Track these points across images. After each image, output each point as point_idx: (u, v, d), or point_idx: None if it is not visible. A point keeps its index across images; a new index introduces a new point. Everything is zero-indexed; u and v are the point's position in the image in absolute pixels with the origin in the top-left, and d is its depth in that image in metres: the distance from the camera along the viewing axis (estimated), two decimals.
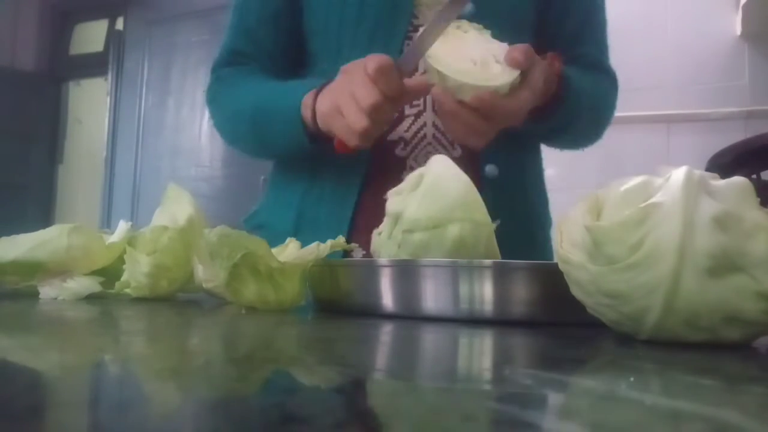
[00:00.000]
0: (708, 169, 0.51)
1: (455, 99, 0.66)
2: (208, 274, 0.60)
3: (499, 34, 0.83)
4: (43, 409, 0.19)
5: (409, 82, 0.69)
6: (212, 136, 3.18)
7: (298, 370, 0.29)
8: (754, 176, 1.51)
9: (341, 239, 0.61)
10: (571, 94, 0.79)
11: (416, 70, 0.75)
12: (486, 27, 0.78)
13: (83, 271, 0.64)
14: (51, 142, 4.11)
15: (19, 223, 0.91)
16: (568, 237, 0.41)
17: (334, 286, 0.56)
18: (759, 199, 0.38)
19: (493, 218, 0.54)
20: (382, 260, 0.53)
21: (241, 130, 0.88)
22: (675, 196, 0.36)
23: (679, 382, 0.27)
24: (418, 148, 0.81)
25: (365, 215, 0.79)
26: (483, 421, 0.19)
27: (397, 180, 0.60)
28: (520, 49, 0.67)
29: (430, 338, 0.40)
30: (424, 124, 0.82)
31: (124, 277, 0.63)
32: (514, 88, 0.67)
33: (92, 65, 4.00)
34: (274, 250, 0.56)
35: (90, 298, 0.62)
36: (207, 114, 3.17)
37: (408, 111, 0.82)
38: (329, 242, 0.59)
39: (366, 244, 0.66)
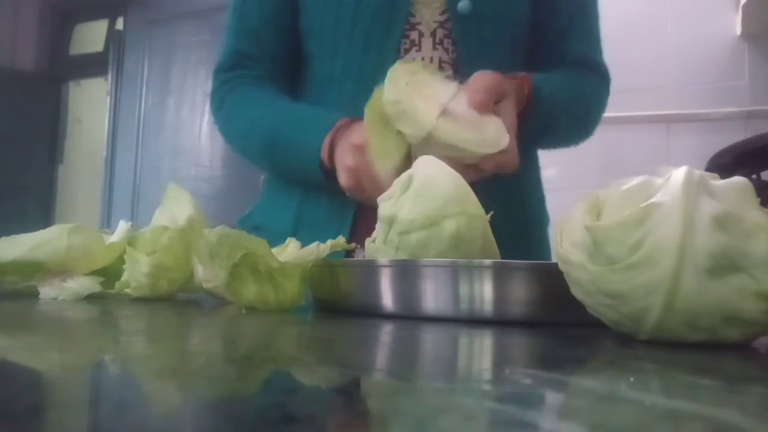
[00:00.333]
0: (708, 169, 0.51)
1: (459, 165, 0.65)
2: (208, 274, 0.60)
3: (497, 31, 0.83)
4: (43, 409, 0.19)
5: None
6: (212, 136, 3.19)
7: (298, 370, 0.29)
8: (754, 176, 1.51)
9: (341, 239, 0.61)
10: (543, 105, 0.78)
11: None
12: (485, 28, 0.78)
13: (83, 271, 0.64)
14: (51, 142, 4.11)
15: (19, 223, 0.91)
16: (568, 237, 0.41)
17: (334, 286, 0.56)
18: (759, 199, 0.38)
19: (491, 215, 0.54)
20: (382, 260, 0.53)
21: (253, 149, 0.88)
22: (675, 196, 0.36)
23: (679, 382, 0.27)
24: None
25: (365, 218, 0.79)
26: (483, 421, 0.19)
27: None
28: (481, 89, 0.66)
29: (430, 338, 0.40)
30: None
31: (124, 277, 0.63)
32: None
33: (92, 65, 4.00)
34: (274, 250, 0.56)
35: (90, 298, 0.62)
36: (207, 114, 3.17)
37: None
38: (329, 242, 0.59)
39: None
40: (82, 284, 0.62)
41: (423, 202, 0.52)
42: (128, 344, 0.36)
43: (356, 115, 0.81)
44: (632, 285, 0.36)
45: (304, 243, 0.61)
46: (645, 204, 0.36)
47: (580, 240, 0.39)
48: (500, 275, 0.47)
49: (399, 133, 0.65)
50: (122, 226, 0.68)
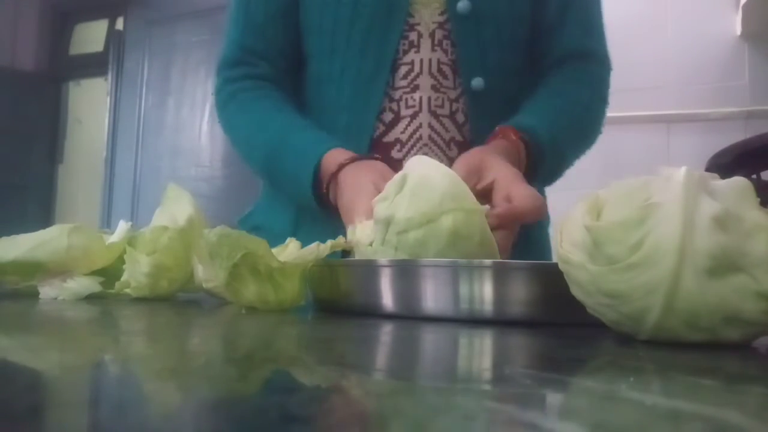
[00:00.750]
0: (708, 169, 0.51)
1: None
2: (208, 274, 0.60)
3: (496, 31, 0.82)
4: (43, 409, 0.19)
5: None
6: (212, 136, 3.19)
7: (298, 370, 0.29)
8: (754, 176, 1.51)
9: (341, 239, 0.61)
10: (547, 147, 0.76)
11: None
12: (484, 29, 0.77)
13: (83, 271, 0.64)
14: (51, 142, 4.11)
15: (19, 223, 0.91)
16: (568, 237, 0.41)
17: (334, 286, 0.56)
18: (759, 199, 0.38)
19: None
20: (382, 260, 0.53)
21: (252, 161, 0.87)
22: (675, 196, 0.36)
23: (679, 382, 0.27)
24: (414, 149, 0.81)
25: None
26: (483, 421, 0.19)
27: None
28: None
29: (430, 338, 0.40)
30: (420, 126, 0.81)
31: (124, 277, 0.63)
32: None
33: (92, 65, 4.00)
34: (274, 250, 0.56)
35: (90, 298, 0.62)
36: (207, 114, 3.16)
37: (404, 112, 0.81)
38: (329, 242, 0.59)
39: None
40: (82, 284, 0.62)
41: (419, 200, 0.52)
42: (128, 344, 0.36)
43: (356, 114, 0.81)
44: (632, 285, 0.36)
45: (304, 242, 0.61)
46: (645, 204, 0.36)
47: (580, 240, 0.39)
48: (500, 275, 0.47)
49: None
50: (122, 226, 0.68)
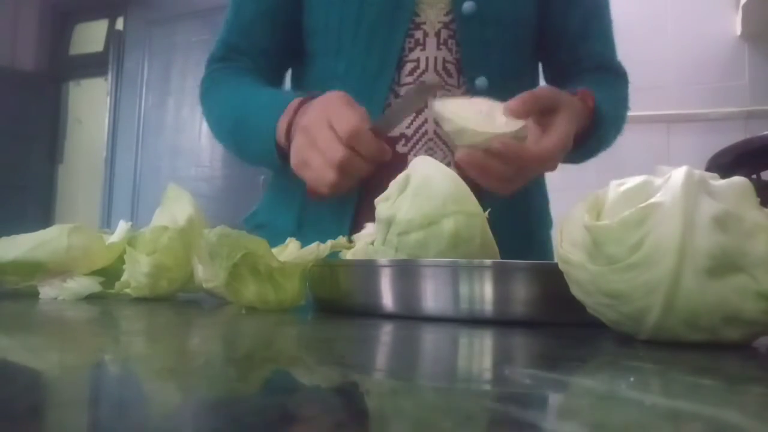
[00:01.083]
0: (708, 169, 0.51)
1: (482, 151, 0.65)
2: (208, 274, 0.60)
3: (501, 33, 0.83)
4: (43, 409, 0.19)
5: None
6: (212, 136, 3.18)
7: (298, 370, 0.29)
8: (754, 176, 1.51)
9: (342, 239, 0.61)
10: (601, 125, 0.79)
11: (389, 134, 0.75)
12: (488, 30, 0.78)
13: (83, 271, 0.64)
14: (51, 142, 4.11)
15: (19, 223, 0.91)
16: (568, 237, 0.41)
17: (334, 286, 0.56)
18: (759, 199, 0.38)
19: (494, 218, 0.54)
20: (382, 260, 0.53)
21: (222, 135, 0.89)
22: (675, 196, 0.36)
23: (679, 382, 0.27)
24: (419, 144, 0.82)
25: (367, 213, 0.80)
26: (483, 421, 0.19)
27: None
28: (519, 99, 0.67)
29: (430, 338, 0.40)
30: (426, 121, 0.82)
31: (124, 277, 0.63)
32: (522, 137, 0.66)
33: (92, 65, 4.00)
34: (274, 250, 0.56)
35: (90, 298, 0.62)
36: None
37: None
38: (329, 242, 0.59)
39: None
40: (82, 284, 0.62)
41: (421, 201, 0.52)
42: (128, 344, 0.36)
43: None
44: (632, 285, 0.36)
45: (307, 241, 0.61)
46: (645, 204, 0.36)
47: (580, 240, 0.39)
48: (500, 275, 0.47)
49: None
50: (122, 226, 0.68)
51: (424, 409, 0.20)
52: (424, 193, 0.53)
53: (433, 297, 0.48)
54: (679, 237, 0.34)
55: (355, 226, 0.81)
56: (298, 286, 0.55)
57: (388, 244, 0.54)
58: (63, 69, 4.17)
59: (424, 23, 0.82)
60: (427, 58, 0.82)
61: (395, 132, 0.82)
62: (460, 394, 0.23)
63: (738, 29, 2.13)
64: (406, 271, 0.50)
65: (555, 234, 0.86)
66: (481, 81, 0.82)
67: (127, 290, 0.63)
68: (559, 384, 0.26)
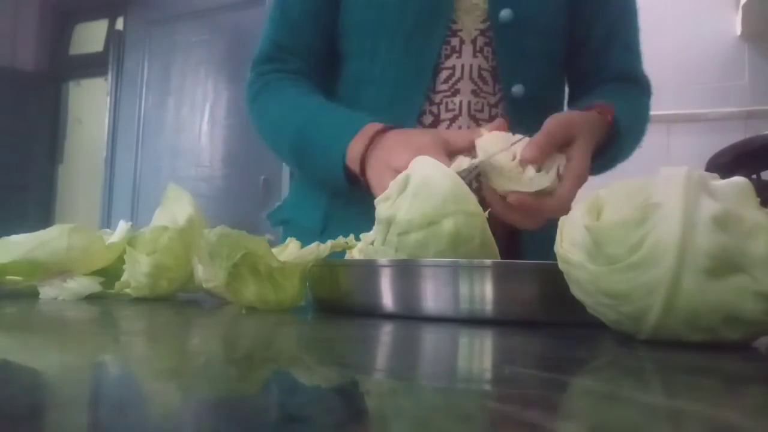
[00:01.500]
0: (708, 169, 0.51)
1: (502, 202, 0.66)
2: (208, 274, 0.60)
3: (536, 41, 0.83)
4: (43, 409, 0.19)
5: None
6: (212, 136, 3.19)
7: (298, 370, 0.29)
8: (754, 176, 1.51)
9: (341, 239, 0.61)
10: (619, 139, 0.78)
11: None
12: (525, 37, 0.78)
13: (83, 271, 0.64)
14: (51, 142, 4.11)
15: (19, 223, 0.91)
16: (568, 237, 0.41)
17: (334, 286, 0.56)
18: (759, 199, 0.38)
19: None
20: (382, 260, 0.53)
21: (281, 146, 0.87)
22: (675, 196, 0.36)
23: (679, 382, 0.27)
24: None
25: None
26: (483, 421, 0.19)
27: None
28: (534, 145, 0.66)
29: (430, 338, 0.40)
30: (459, 128, 0.81)
31: (124, 277, 0.63)
32: (548, 192, 0.66)
33: (92, 65, 4.00)
34: (274, 250, 0.56)
35: (90, 298, 0.62)
36: (207, 114, 3.15)
37: (444, 116, 0.82)
38: (329, 242, 0.59)
39: None
40: (82, 284, 0.62)
41: (421, 202, 0.52)
42: (128, 344, 0.36)
43: (395, 115, 0.80)
44: (632, 285, 0.36)
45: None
46: (645, 204, 0.36)
47: (580, 240, 0.39)
48: (500, 275, 0.47)
49: None
50: (122, 226, 0.68)
51: (424, 409, 0.20)
52: (424, 193, 0.53)
53: (433, 297, 0.48)
54: (679, 237, 0.34)
55: None
56: (298, 286, 0.55)
57: (388, 244, 0.54)
58: (63, 69, 4.17)
59: (461, 30, 0.82)
60: (462, 66, 0.81)
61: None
62: (460, 394, 0.23)
63: (738, 29, 2.13)
64: (406, 271, 0.50)
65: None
66: (517, 88, 0.82)
67: (127, 290, 0.63)
68: (559, 384, 0.26)
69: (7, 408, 0.19)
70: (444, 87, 0.82)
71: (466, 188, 0.54)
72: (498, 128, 0.68)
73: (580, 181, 0.69)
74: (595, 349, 0.38)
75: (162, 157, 3.36)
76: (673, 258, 0.34)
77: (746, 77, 2.14)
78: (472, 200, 0.53)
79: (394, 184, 0.56)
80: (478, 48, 0.82)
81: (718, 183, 0.38)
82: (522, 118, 0.81)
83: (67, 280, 0.62)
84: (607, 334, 0.41)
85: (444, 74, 0.82)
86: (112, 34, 3.86)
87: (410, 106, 0.82)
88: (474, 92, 0.82)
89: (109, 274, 0.65)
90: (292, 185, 0.98)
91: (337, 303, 0.56)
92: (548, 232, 0.80)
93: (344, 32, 0.87)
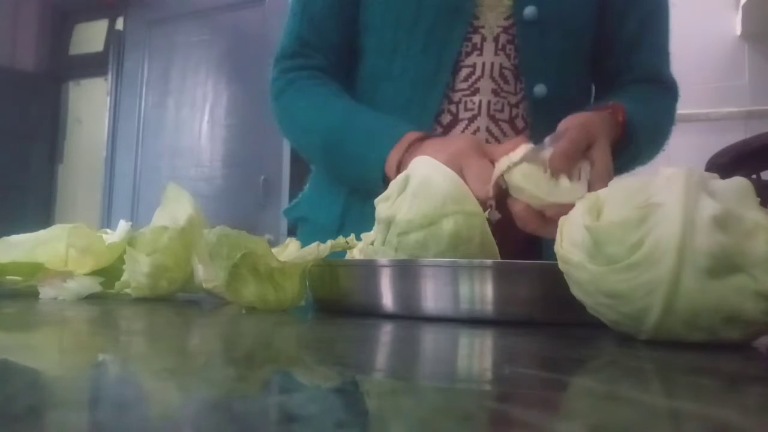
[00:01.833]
0: (708, 169, 0.51)
1: (538, 217, 0.63)
2: (208, 274, 0.60)
3: (561, 39, 0.81)
4: (43, 409, 0.19)
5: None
6: (212, 136, 3.19)
7: (298, 370, 0.29)
8: (754, 176, 1.51)
9: (341, 239, 0.61)
10: (635, 136, 0.77)
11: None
12: (549, 36, 0.76)
13: (83, 271, 0.64)
14: (51, 142, 4.10)
15: (19, 223, 0.91)
16: (568, 237, 0.41)
17: (334, 286, 0.56)
18: (759, 199, 0.38)
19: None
20: (382, 260, 0.53)
21: (311, 148, 0.87)
22: (675, 196, 0.36)
23: (679, 382, 0.27)
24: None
25: None
26: (483, 421, 0.19)
27: None
28: (561, 155, 0.63)
29: (430, 338, 0.40)
30: (478, 129, 0.80)
31: (124, 277, 0.63)
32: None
33: (92, 65, 4.00)
34: (274, 250, 0.56)
35: (90, 298, 0.62)
36: (207, 114, 3.15)
37: (462, 115, 0.80)
38: (329, 242, 0.59)
39: None
40: (82, 284, 0.62)
41: (420, 202, 0.52)
42: (128, 344, 0.36)
43: (414, 114, 0.80)
44: (632, 285, 0.36)
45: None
46: (645, 204, 0.36)
47: (580, 240, 0.39)
48: (500, 275, 0.47)
49: None
50: (122, 226, 0.68)
51: (424, 409, 0.20)
52: (424, 193, 0.53)
53: (433, 297, 0.48)
54: (679, 237, 0.34)
55: None
56: (298, 286, 0.55)
57: (388, 244, 0.54)
58: (63, 69, 4.17)
59: (483, 27, 0.80)
60: (483, 64, 0.80)
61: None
62: (460, 394, 0.23)
63: (738, 29, 2.13)
64: (406, 271, 0.50)
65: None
66: (539, 88, 0.80)
67: (127, 290, 0.63)
68: (559, 384, 0.26)
69: (7, 408, 0.19)
70: (463, 86, 0.80)
71: (466, 188, 0.54)
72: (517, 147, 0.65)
73: (608, 183, 0.67)
74: (595, 349, 0.38)
75: (162, 157, 3.36)
76: (673, 258, 0.34)
77: (746, 77, 2.14)
78: (472, 200, 0.53)
79: (393, 184, 0.56)
80: (500, 46, 0.80)
81: (718, 183, 0.38)
82: (544, 118, 0.80)
83: (67, 280, 0.62)
84: (607, 334, 0.41)
85: (464, 72, 0.80)
86: (112, 34, 3.86)
87: (428, 104, 0.81)
88: (494, 91, 0.80)
89: (109, 274, 0.65)
90: (309, 182, 0.96)
91: (337, 303, 0.56)
92: None
93: (364, 28, 0.86)
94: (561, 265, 0.41)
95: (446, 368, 0.30)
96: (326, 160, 0.85)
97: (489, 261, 0.49)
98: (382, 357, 0.35)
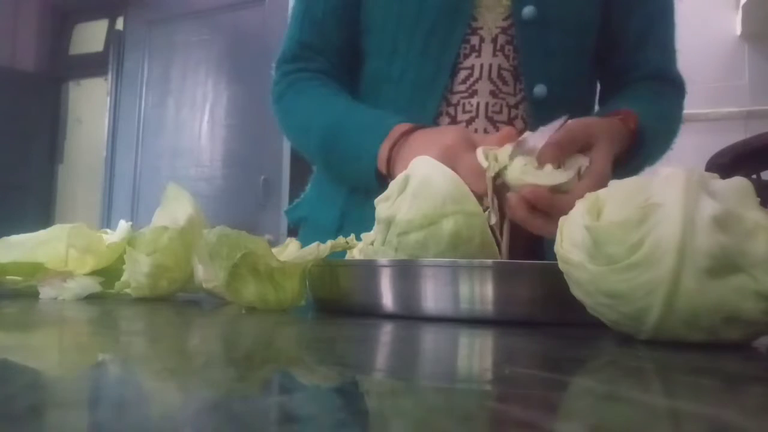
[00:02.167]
0: (708, 169, 0.51)
1: (522, 201, 0.60)
2: (208, 274, 0.60)
3: (562, 38, 0.80)
4: (43, 409, 0.19)
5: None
6: (212, 136, 3.19)
7: (298, 370, 0.29)
8: (754, 176, 1.51)
9: (341, 239, 0.61)
10: (647, 143, 0.76)
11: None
12: (549, 35, 0.76)
13: (83, 271, 0.64)
14: (51, 142, 4.10)
15: (19, 223, 0.91)
16: (568, 237, 0.41)
17: (334, 286, 0.56)
18: (759, 199, 0.38)
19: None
20: (382, 260, 0.53)
21: (309, 146, 0.87)
22: (675, 196, 0.36)
23: (679, 382, 0.27)
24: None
25: None
26: (483, 421, 0.19)
27: None
28: (554, 144, 0.62)
29: (430, 338, 0.40)
30: (476, 131, 0.80)
31: (124, 277, 0.63)
32: (565, 190, 0.62)
33: (92, 65, 4.00)
34: (274, 250, 0.56)
35: (90, 298, 0.62)
36: (207, 114, 3.16)
37: (461, 117, 0.80)
38: (329, 242, 0.59)
39: None
40: (82, 284, 0.62)
41: (420, 202, 0.52)
42: (128, 344, 0.36)
43: (413, 116, 0.79)
44: (632, 285, 0.36)
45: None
46: (645, 204, 0.36)
47: (580, 240, 0.39)
48: (500, 275, 0.47)
49: None
50: (122, 226, 0.68)
51: (424, 409, 0.20)
52: (424, 193, 0.53)
53: (433, 297, 0.48)
54: (679, 237, 0.34)
55: None
56: (298, 286, 0.55)
57: (388, 244, 0.54)
58: (63, 69, 4.17)
59: (481, 28, 0.80)
60: (481, 66, 0.80)
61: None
62: (460, 394, 0.23)
63: (738, 29, 2.13)
64: (406, 271, 0.50)
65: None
66: (539, 89, 0.80)
67: (127, 290, 0.63)
68: (559, 384, 0.26)
69: (7, 408, 0.19)
70: (462, 88, 0.80)
71: (466, 188, 0.54)
72: (507, 138, 0.64)
73: (600, 184, 0.65)
74: (595, 349, 0.38)
75: (162, 157, 3.36)
76: (673, 258, 0.34)
77: (746, 77, 2.14)
78: (472, 200, 0.53)
79: (393, 184, 0.56)
80: (498, 47, 0.80)
81: (718, 183, 0.38)
82: (544, 119, 0.78)
83: (67, 280, 0.62)
84: (607, 334, 0.41)
85: (462, 74, 0.80)
86: (112, 34, 3.86)
87: (427, 107, 0.81)
88: (492, 93, 0.80)
89: (109, 274, 0.65)
90: (311, 182, 0.97)
91: (337, 303, 0.56)
92: None
93: (365, 30, 0.86)
94: (561, 265, 0.41)
95: (446, 368, 0.30)
96: (324, 159, 0.85)
97: (489, 261, 0.49)
98: (382, 357, 0.35)
